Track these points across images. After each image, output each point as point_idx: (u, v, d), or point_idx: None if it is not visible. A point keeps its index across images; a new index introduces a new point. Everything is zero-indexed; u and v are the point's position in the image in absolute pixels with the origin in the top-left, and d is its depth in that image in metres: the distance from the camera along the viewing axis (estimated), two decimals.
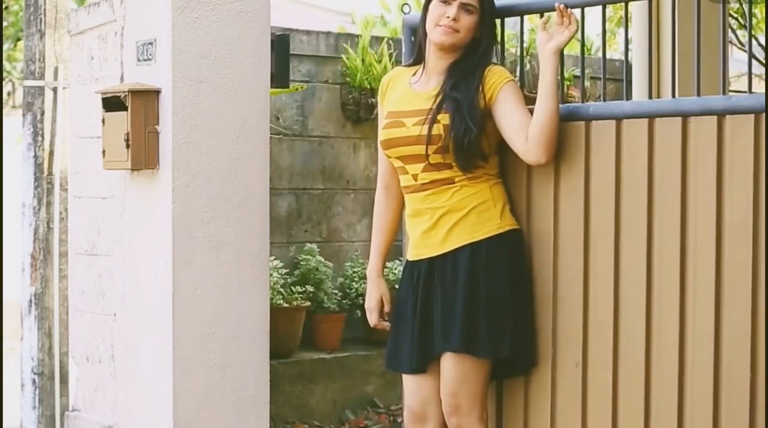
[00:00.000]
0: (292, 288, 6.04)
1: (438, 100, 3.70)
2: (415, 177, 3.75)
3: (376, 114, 6.44)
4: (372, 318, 3.96)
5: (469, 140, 3.66)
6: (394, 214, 3.96)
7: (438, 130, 3.68)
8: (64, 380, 5.61)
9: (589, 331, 3.70)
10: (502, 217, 3.73)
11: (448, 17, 3.69)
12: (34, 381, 5.73)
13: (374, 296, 3.96)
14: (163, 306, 4.40)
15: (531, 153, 3.65)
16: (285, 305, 5.92)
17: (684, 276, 3.49)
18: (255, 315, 4.52)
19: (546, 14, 3.76)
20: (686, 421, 3.49)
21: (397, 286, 4.04)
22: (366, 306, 3.99)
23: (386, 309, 3.94)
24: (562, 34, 3.65)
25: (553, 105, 3.62)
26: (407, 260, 3.85)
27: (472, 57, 3.74)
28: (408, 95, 3.79)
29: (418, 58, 3.86)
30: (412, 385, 3.82)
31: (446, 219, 3.71)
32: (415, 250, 3.80)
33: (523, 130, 3.65)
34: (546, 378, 3.80)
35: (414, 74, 3.84)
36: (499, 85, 3.69)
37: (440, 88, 3.72)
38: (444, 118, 3.68)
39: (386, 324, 3.94)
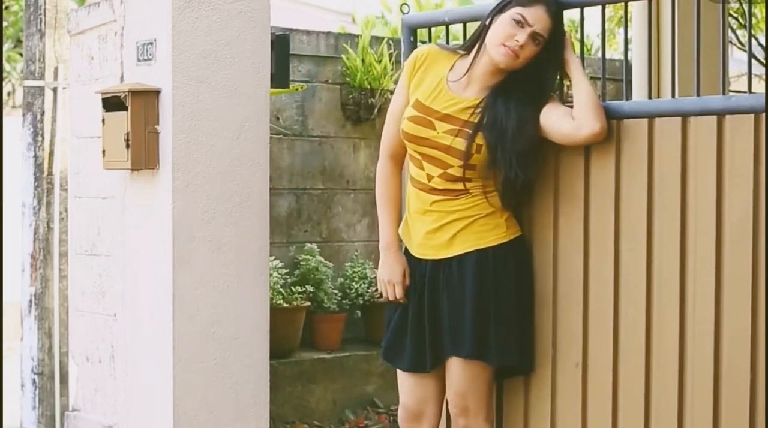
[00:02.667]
0: (292, 288, 6.04)
1: (477, 120, 3.63)
2: (429, 178, 3.70)
3: (376, 114, 6.49)
4: (398, 292, 3.77)
5: (523, 183, 3.66)
6: (400, 184, 3.86)
7: (471, 148, 3.63)
8: (64, 380, 5.60)
9: (589, 331, 3.70)
10: (507, 225, 3.72)
11: (517, 41, 3.57)
12: (34, 381, 5.72)
13: (398, 269, 3.79)
14: (163, 306, 4.40)
15: (583, 124, 3.56)
16: (285, 305, 5.92)
17: (684, 276, 3.49)
18: (255, 315, 4.52)
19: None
20: (686, 421, 3.49)
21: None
22: (389, 279, 3.79)
23: (407, 283, 3.78)
24: (570, 57, 3.67)
25: (588, 84, 3.60)
26: (408, 251, 3.81)
27: (515, 78, 3.64)
28: (442, 93, 3.70)
29: (467, 49, 3.73)
30: (410, 383, 3.81)
31: (453, 225, 3.69)
32: (418, 249, 3.77)
33: (566, 115, 3.60)
34: (546, 378, 3.80)
35: (452, 68, 3.73)
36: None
37: (481, 103, 3.65)
38: (479, 138, 3.63)
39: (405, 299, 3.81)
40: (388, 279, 3.80)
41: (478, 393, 3.72)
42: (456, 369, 3.71)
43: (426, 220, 3.73)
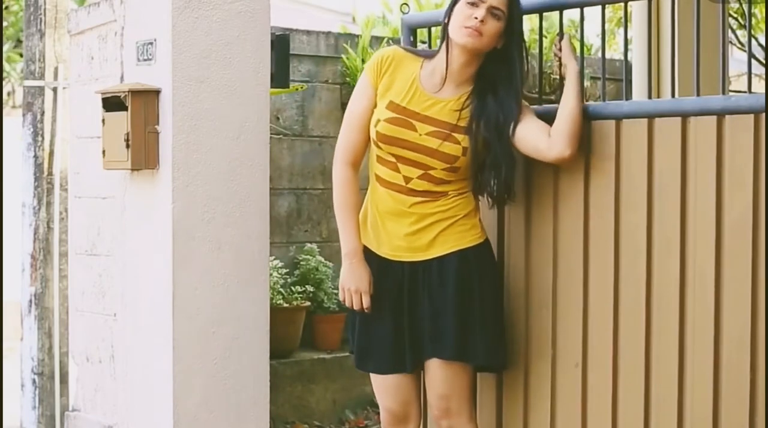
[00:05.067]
0: (292, 288, 6.04)
1: (466, 124, 3.64)
2: (407, 179, 3.67)
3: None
4: (365, 301, 3.69)
5: (506, 179, 3.68)
6: (359, 189, 3.81)
7: (456, 150, 3.63)
8: (64, 380, 5.61)
9: (589, 331, 3.70)
10: (480, 225, 3.74)
11: (476, 18, 3.57)
12: (34, 381, 5.73)
13: (365, 277, 3.70)
14: (163, 306, 4.40)
15: (555, 146, 3.59)
16: (285, 305, 5.92)
17: (684, 275, 3.49)
18: (255, 315, 4.51)
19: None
20: (686, 421, 3.49)
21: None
22: (357, 287, 3.69)
23: (371, 292, 3.72)
24: (570, 62, 3.67)
25: (576, 101, 3.60)
26: (377, 255, 3.74)
27: (495, 69, 3.66)
28: (418, 93, 3.68)
29: (432, 55, 3.73)
30: (391, 387, 3.76)
31: (433, 226, 3.67)
32: (393, 250, 3.71)
33: (544, 131, 3.62)
34: (546, 378, 3.80)
35: (421, 69, 3.71)
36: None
37: (465, 103, 3.65)
38: (465, 140, 3.63)
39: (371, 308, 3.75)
40: (356, 287, 3.71)
41: (460, 394, 3.70)
42: (437, 371, 3.68)
43: (404, 222, 3.69)
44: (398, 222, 3.70)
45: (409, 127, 3.66)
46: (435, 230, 3.68)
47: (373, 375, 3.80)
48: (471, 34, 3.59)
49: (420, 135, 3.65)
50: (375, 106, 3.72)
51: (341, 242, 3.76)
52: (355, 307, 3.72)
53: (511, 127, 3.64)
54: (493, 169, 3.67)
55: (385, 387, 3.78)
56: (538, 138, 3.63)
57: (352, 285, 3.71)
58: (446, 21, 3.67)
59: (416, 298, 3.69)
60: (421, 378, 3.80)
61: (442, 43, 3.70)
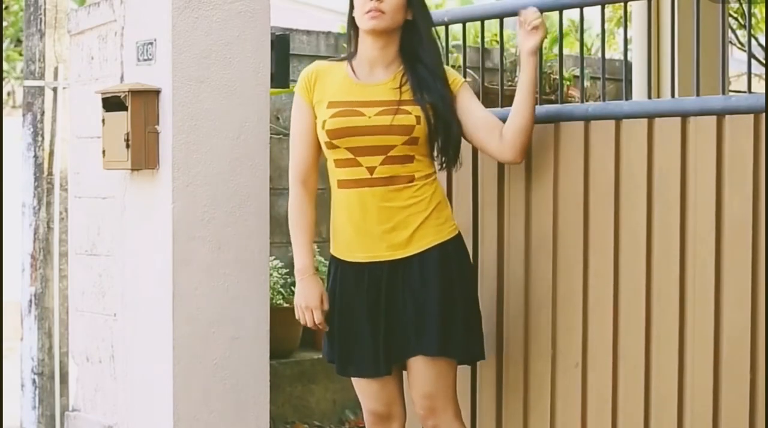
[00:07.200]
0: (292, 288, 6.03)
1: (409, 92, 3.65)
2: (371, 170, 3.67)
3: None
4: (317, 317, 3.72)
5: (457, 137, 3.70)
6: (314, 209, 3.92)
7: (410, 120, 3.63)
8: (64, 380, 5.61)
9: (589, 331, 3.70)
10: (452, 217, 3.75)
11: (371, 0, 3.62)
12: (34, 381, 5.73)
13: (315, 294, 3.76)
14: (163, 306, 4.40)
15: (508, 152, 3.66)
16: (285, 305, 5.92)
17: (683, 275, 3.49)
18: (255, 315, 4.52)
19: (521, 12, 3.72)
20: (686, 420, 3.49)
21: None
22: (307, 304, 3.75)
23: (325, 307, 3.76)
24: (532, 36, 3.65)
25: (531, 105, 3.65)
26: (351, 262, 3.76)
27: (413, 40, 3.70)
28: (354, 86, 3.70)
29: (348, 55, 3.78)
30: (374, 389, 3.73)
31: (409, 221, 3.65)
32: (371, 252, 3.70)
33: (494, 129, 3.66)
34: (546, 378, 3.80)
35: (347, 67, 3.75)
36: (458, 84, 3.71)
37: (402, 80, 3.67)
38: (416, 110, 3.64)
39: (325, 324, 3.76)
40: (306, 304, 3.75)
41: (445, 391, 3.67)
42: (421, 368, 3.65)
43: (377, 220, 3.68)
44: (372, 222, 3.70)
45: (357, 114, 3.67)
46: (411, 226, 3.66)
47: (354, 379, 3.78)
48: (373, 16, 3.63)
49: (369, 117, 3.66)
50: (315, 118, 3.77)
51: (294, 260, 3.84)
52: (308, 324, 3.75)
53: (450, 91, 3.67)
54: (443, 130, 3.67)
55: (369, 390, 3.75)
56: (488, 137, 3.68)
57: (303, 302, 3.77)
58: (351, 14, 3.72)
59: (394, 297, 3.66)
60: (402, 377, 3.78)
61: (356, 36, 3.74)
